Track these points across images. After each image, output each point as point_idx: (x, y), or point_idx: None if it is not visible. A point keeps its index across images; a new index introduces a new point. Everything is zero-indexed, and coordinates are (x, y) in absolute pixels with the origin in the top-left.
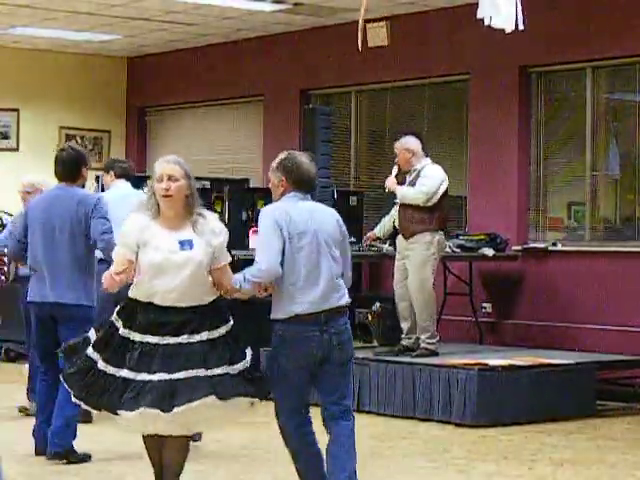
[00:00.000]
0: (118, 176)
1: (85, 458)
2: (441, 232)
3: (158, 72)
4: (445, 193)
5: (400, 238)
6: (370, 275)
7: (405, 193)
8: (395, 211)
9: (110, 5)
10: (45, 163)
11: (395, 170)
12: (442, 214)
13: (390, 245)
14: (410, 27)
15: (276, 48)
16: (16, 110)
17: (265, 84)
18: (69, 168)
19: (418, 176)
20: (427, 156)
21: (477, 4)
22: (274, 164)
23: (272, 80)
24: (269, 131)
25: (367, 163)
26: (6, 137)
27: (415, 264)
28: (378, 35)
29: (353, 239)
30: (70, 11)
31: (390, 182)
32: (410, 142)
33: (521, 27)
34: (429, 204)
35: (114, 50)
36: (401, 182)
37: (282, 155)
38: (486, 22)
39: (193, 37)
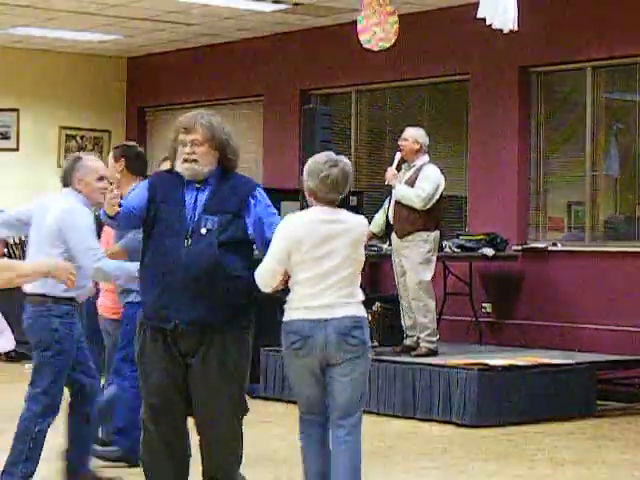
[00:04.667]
0: None
1: None
2: (436, 231)
3: (158, 72)
4: (441, 194)
5: (394, 236)
6: (370, 275)
7: (404, 193)
8: (387, 204)
9: (110, 5)
10: (45, 163)
11: (397, 159)
12: (438, 214)
13: (388, 244)
14: (410, 27)
15: (276, 48)
16: (16, 110)
17: (265, 84)
18: None
19: (417, 175)
20: (427, 154)
21: (477, 4)
22: None
23: (272, 80)
24: (269, 131)
25: (367, 163)
26: (6, 137)
27: (413, 263)
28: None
29: None
30: (70, 11)
31: (391, 175)
32: (420, 134)
33: (515, 27)
34: (425, 208)
35: (114, 50)
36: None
37: None
38: (488, 21)
39: (193, 37)
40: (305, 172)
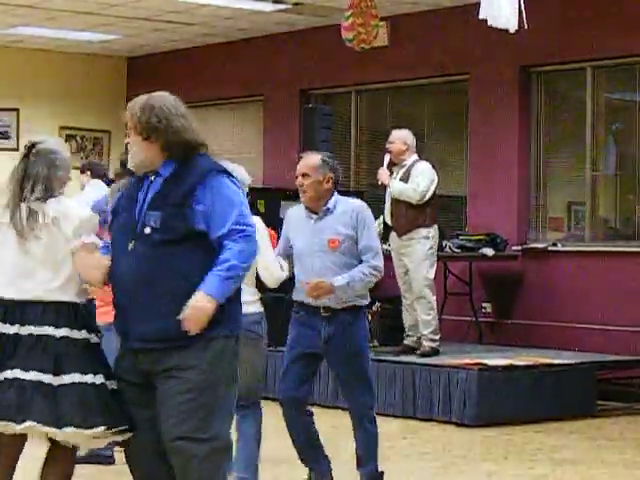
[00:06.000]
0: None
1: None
2: (435, 226)
3: (158, 72)
4: (434, 190)
5: (393, 235)
6: None
7: (401, 189)
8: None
9: (110, 5)
10: None
11: (387, 160)
12: (434, 209)
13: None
14: (410, 27)
15: (276, 48)
16: (16, 110)
17: (265, 84)
18: None
19: (408, 172)
20: (415, 153)
21: (478, 4)
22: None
23: (272, 80)
24: (269, 131)
25: (367, 163)
26: (6, 137)
27: (415, 261)
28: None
29: None
30: (70, 11)
31: (384, 175)
32: (406, 135)
33: (525, 26)
34: (421, 202)
35: (114, 50)
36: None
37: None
38: (489, 22)
39: (193, 37)
40: None
